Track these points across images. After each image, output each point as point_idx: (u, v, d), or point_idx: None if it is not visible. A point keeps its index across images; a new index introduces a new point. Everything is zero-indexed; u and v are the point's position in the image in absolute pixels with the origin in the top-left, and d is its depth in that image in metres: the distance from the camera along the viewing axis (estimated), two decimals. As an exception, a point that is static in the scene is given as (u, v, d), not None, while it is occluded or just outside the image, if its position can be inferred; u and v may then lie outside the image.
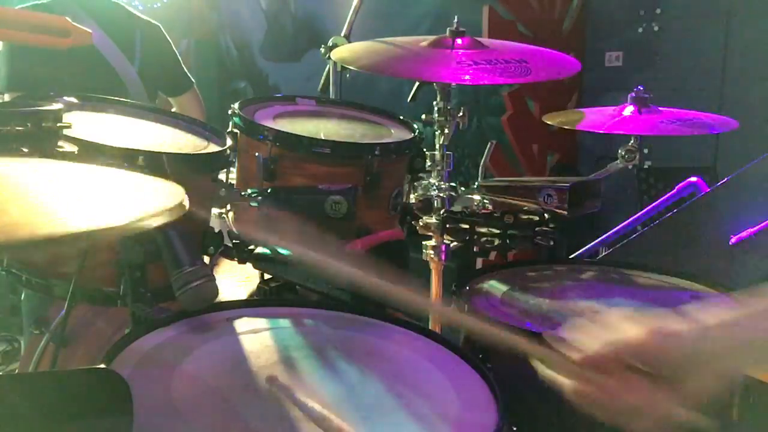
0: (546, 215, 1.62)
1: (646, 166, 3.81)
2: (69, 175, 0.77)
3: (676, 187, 2.40)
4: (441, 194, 1.68)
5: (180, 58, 2.76)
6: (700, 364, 0.86)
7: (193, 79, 2.81)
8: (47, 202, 0.59)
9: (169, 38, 2.71)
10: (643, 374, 0.86)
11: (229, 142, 1.52)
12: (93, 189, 0.72)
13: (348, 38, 2.13)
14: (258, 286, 1.52)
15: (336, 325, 1.16)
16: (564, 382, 0.89)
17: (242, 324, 1.13)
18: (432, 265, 1.71)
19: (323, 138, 1.59)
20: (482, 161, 1.87)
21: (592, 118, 2.11)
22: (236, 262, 1.52)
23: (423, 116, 1.71)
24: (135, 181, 0.79)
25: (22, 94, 1.77)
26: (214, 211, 1.57)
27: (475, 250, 1.66)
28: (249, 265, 1.48)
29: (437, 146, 1.69)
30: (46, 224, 0.53)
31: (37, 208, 0.57)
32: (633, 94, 2.04)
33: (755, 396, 1.35)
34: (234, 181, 1.61)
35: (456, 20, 1.65)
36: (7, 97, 2.34)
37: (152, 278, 1.20)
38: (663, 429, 0.86)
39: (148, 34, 2.63)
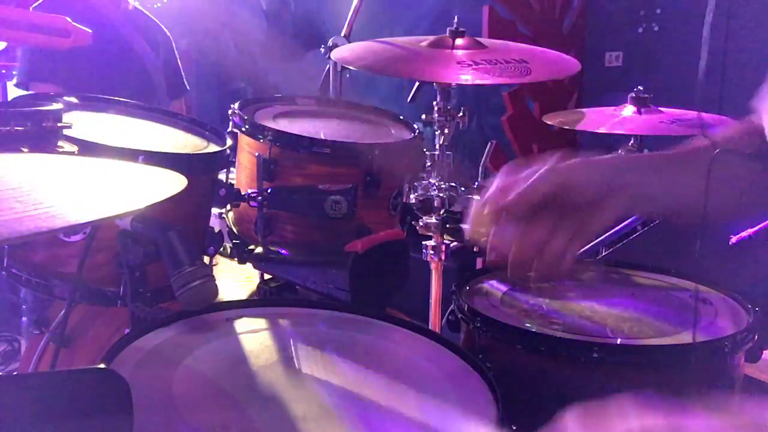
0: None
1: (646, 166, 3.80)
2: (68, 170, 0.77)
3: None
4: (441, 194, 1.68)
5: (180, 65, 2.82)
6: (607, 192, 0.88)
7: (188, 88, 2.86)
8: (48, 197, 0.59)
9: (173, 42, 2.79)
10: (552, 212, 0.88)
11: (229, 142, 1.52)
12: (93, 181, 0.73)
13: (348, 38, 2.13)
14: (258, 286, 1.52)
15: (336, 325, 1.16)
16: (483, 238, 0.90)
17: (242, 324, 1.13)
18: (432, 265, 1.71)
19: (323, 138, 1.59)
20: (482, 161, 1.87)
21: (592, 118, 2.11)
22: (236, 262, 1.52)
23: (423, 116, 1.71)
24: (134, 172, 0.79)
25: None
26: (214, 211, 1.57)
27: (475, 250, 1.66)
28: (249, 265, 1.48)
29: (437, 146, 1.69)
30: (47, 218, 0.53)
31: (37, 204, 0.57)
32: (633, 94, 2.04)
33: (755, 396, 1.34)
34: (234, 181, 1.61)
35: (456, 20, 1.65)
36: (32, 89, 2.37)
37: (152, 278, 1.20)
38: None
39: (164, 38, 2.72)
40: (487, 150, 1.89)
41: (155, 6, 5.39)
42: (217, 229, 1.46)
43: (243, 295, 1.57)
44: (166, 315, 1.13)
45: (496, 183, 0.92)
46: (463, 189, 1.75)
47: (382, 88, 4.23)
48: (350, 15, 2.17)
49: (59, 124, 1.15)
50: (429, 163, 1.69)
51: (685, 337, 1.24)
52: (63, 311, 1.29)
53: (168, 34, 2.74)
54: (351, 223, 1.46)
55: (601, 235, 0.93)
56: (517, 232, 0.89)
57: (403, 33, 1.79)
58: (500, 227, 0.91)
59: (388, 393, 0.95)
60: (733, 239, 1.98)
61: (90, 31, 1.35)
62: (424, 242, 1.71)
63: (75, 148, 1.18)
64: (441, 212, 1.67)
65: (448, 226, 1.66)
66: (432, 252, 1.68)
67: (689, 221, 1.04)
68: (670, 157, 0.97)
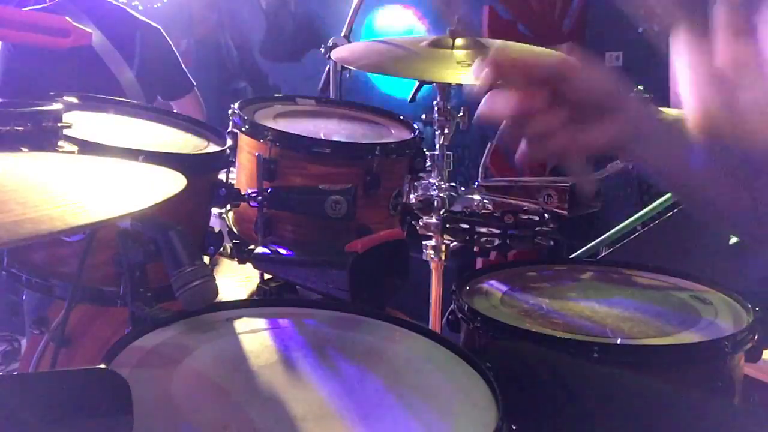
0: (546, 215, 1.63)
1: (646, 167, 3.80)
2: (68, 170, 0.77)
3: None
4: (441, 194, 1.68)
5: (181, 61, 2.75)
6: (611, 107, 0.84)
7: (194, 82, 2.80)
8: (48, 199, 0.59)
9: (169, 41, 2.71)
10: (550, 93, 0.83)
11: (229, 142, 1.52)
12: (93, 182, 0.73)
13: (348, 38, 2.13)
14: (258, 286, 1.52)
15: (336, 325, 1.16)
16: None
17: (242, 324, 1.13)
18: (432, 265, 1.71)
19: (323, 138, 1.59)
20: (482, 161, 1.87)
21: (592, 118, 2.11)
22: (236, 262, 1.52)
23: (423, 116, 1.71)
24: (135, 172, 0.79)
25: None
26: (214, 211, 1.57)
27: (475, 250, 1.66)
28: (249, 265, 1.48)
29: (437, 146, 1.69)
30: (47, 221, 0.53)
31: (38, 203, 0.57)
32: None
33: (755, 396, 1.35)
34: (234, 181, 1.61)
35: (456, 20, 1.65)
36: None
37: (152, 278, 1.20)
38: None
39: (148, 37, 2.61)
40: (487, 150, 1.89)
41: (155, 6, 5.40)
42: (217, 229, 1.46)
43: (243, 295, 1.56)
44: (166, 315, 1.13)
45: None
46: (463, 189, 1.75)
47: (381, 88, 4.24)
48: (350, 15, 2.17)
49: (59, 124, 1.15)
50: (429, 163, 1.69)
51: (685, 337, 1.24)
52: (63, 311, 1.29)
53: (164, 34, 2.70)
54: (351, 223, 1.46)
55: (589, 153, 0.87)
56: (511, 96, 0.83)
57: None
58: (494, 92, 0.84)
59: (388, 393, 0.95)
60: (733, 239, 1.98)
61: (90, 31, 1.35)
62: (424, 242, 1.71)
63: (75, 148, 1.18)
64: (441, 212, 1.67)
65: (448, 226, 1.66)
66: (432, 252, 1.68)
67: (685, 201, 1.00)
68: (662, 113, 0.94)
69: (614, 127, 0.84)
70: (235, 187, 1.51)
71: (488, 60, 0.84)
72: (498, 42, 0.79)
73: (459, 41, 1.64)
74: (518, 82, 0.83)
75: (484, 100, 0.85)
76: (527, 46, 1.59)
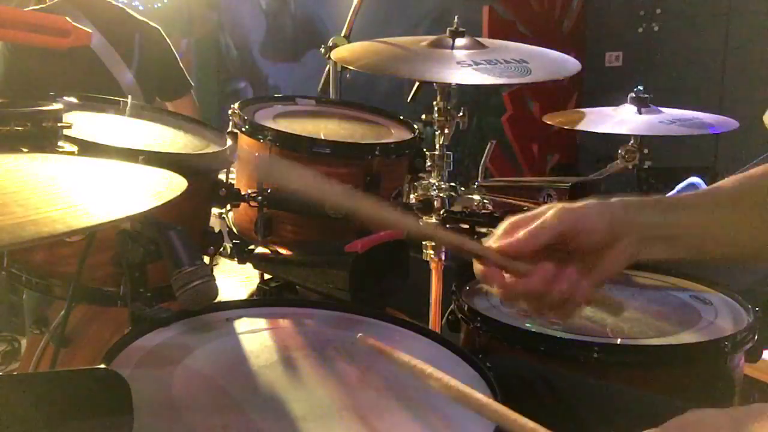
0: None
1: (646, 166, 3.80)
2: (68, 171, 0.76)
3: (676, 187, 2.40)
4: (441, 194, 1.68)
5: (180, 61, 2.75)
6: (618, 232, 0.87)
7: (192, 83, 2.80)
8: (49, 200, 0.59)
9: (168, 41, 2.70)
10: (562, 254, 0.87)
11: (229, 142, 1.52)
12: (93, 183, 0.72)
13: (348, 38, 2.13)
14: (258, 286, 1.52)
15: (336, 325, 1.16)
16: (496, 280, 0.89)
17: (242, 324, 1.13)
18: (432, 265, 1.71)
19: (323, 138, 1.59)
20: (482, 161, 1.87)
21: (592, 118, 2.11)
22: (236, 262, 1.52)
23: (423, 116, 1.71)
24: (135, 173, 0.79)
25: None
26: (214, 211, 1.57)
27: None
28: (249, 265, 1.48)
29: (437, 146, 1.69)
30: (48, 223, 0.53)
31: (39, 205, 0.57)
32: (633, 94, 2.04)
33: (755, 396, 1.35)
34: (234, 181, 1.61)
35: (456, 20, 1.65)
36: None
37: (152, 278, 1.20)
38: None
39: (147, 37, 2.62)
40: (487, 150, 1.89)
41: (155, 6, 5.40)
42: (217, 229, 1.46)
43: (243, 295, 1.57)
44: (166, 315, 1.13)
45: (500, 227, 0.91)
46: (462, 189, 1.75)
47: (382, 88, 4.24)
48: (350, 15, 2.17)
49: (59, 124, 1.15)
50: (429, 163, 1.69)
51: (685, 337, 1.24)
52: (63, 311, 1.29)
53: (163, 34, 2.70)
54: (351, 223, 1.46)
55: (611, 277, 0.91)
56: (523, 277, 0.87)
57: (403, 33, 1.79)
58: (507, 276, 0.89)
59: (388, 393, 0.95)
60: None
61: (90, 31, 1.35)
62: (424, 242, 1.70)
63: (75, 148, 1.18)
64: (441, 212, 1.67)
65: (448, 226, 1.66)
66: (432, 252, 1.68)
67: (715, 262, 1.04)
68: (679, 200, 0.96)
69: (626, 252, 0.86)
70: (235, 187, 1.51)
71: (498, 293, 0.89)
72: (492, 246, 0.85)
73: (459, 41, 1.64)
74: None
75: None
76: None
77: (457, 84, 1.62)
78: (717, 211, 0.91)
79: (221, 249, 1.47)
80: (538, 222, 0.87)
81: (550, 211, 0.88)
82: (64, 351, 1.39)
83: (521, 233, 0.87)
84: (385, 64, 1.65)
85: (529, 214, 0.88)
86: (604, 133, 2.01)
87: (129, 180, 0.77)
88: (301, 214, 1.51)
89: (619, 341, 1.22)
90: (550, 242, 0.86)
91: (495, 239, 0.89)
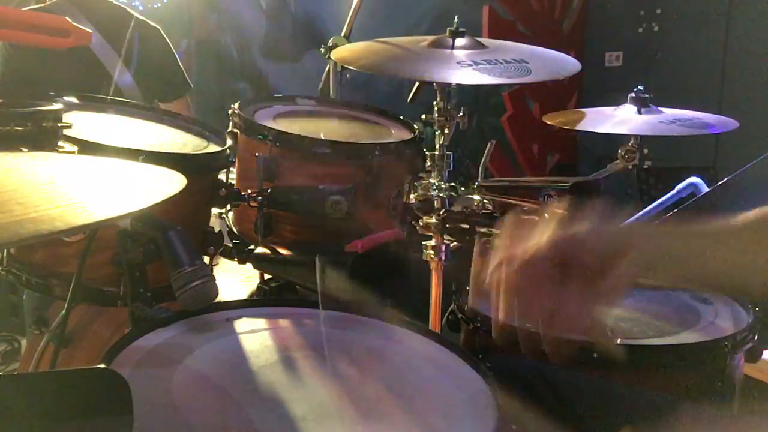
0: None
1: (646, 166, 3.81)
2: (68, 170, 0.76)
3: (676, 187, 2.40)
4: (441, 194, 1.67)
5: (179, 62, 2.74)
6: (620, 254, 0.86)
7: (191, 85, 2.79)
8: (48, 199, 0.59)
9: (168, 41, 2.70)
10: (567, 272, 0.86)
11: (229, 142, 1.52)
12: (93, 182, 0.72)
13: (348, 38, 2.13)
14: (258, 286, 1.52)
15: (336, 325, 1.16)
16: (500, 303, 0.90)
17: (242, 324, 1.13)
18: (432, 265, 1.71)
19: (323, 138, 1.59)
20: (482, 161, 1.87)
21: (592, 118, 2.11)
22: (236, 262, 1.52)
23: (423, 116, 1.71)
24: (135, 172, 0.79)
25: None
26: (214, 211, 1.57)
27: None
28: (249, 265, 1.48)
29: (437, 146, 1.69)
30: (48, 221, 0.53)
31: (38, 203, 0.57)
32: (633, 94, 2.04)
33: (755, 395, 1.35)
34: (234, 181, 1.61)
35: (456, 20, 1.65)
36: None
37: (152, 278, 1.20)
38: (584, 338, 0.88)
39: (147, 37, 2.61)
40: (487, 150, 1.89)
41: (155, 6, 5.39)
42: (217, 229, 1.46)
43: (243, 295, 1.57)
44: (166, 315, 1.13)
45: (498, 244, 0.90)
46: (462, 189, 1.75)
47: (382, 88, 4.24)
48: (350, 15, 2.17)
49: (59, 124, 1.15)
50: (429, 163, 1.69)
51: (685, 337, 1.24)
52: (63, 311, 1.29)
53: (163, 34, 2.69)
54: (351, 223, 1.46)
55: (615, 301, 0.89)
56: (522, 303, 0.87)
57: (403, 33, 1.79)
58: (503, 302, 0.89)
59: (387, 393, 0.95)
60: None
61: (90, 31, 1.35)
62: (424, 242, 1.70)
63: (75, 148, 1.18)
64: (441, 212, 1.67)
65: (448, 226, 1.65)
66: (432, 252, 1.68)
67: (716, 291, 1.03)
68: (682, 225, 0.95)
69: (627, 274, 0.86)
70: (235, 187, 1.51)
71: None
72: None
73: (459, 41, 1.64)
74: (523, 289, 0.88)
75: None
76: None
77: (457, 84, 1.62)
78: (724, 242, 0.90)
79: (221, 249, 1.47)
80: (533, 252, 0.86)
81: (544, 238, 0.87)
82: (64, 351, 1.39)
83: (515, 263, 0.87)
84: (385, 64, 1.65)
85: (530, 217, 0.88)
86: (604, 133, 2.01)
87: (128, 178, 0.77)
88: (301, 214, 1.51)
89: (619, 341, 1.22)
90: (546, 271, 0.86)
91: (501, 248, 0.89)
